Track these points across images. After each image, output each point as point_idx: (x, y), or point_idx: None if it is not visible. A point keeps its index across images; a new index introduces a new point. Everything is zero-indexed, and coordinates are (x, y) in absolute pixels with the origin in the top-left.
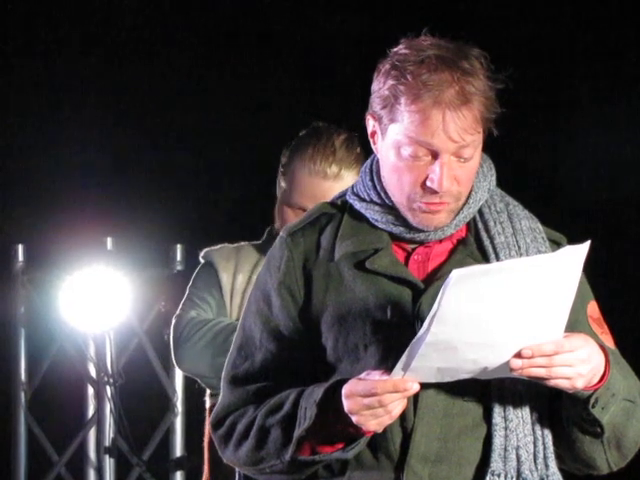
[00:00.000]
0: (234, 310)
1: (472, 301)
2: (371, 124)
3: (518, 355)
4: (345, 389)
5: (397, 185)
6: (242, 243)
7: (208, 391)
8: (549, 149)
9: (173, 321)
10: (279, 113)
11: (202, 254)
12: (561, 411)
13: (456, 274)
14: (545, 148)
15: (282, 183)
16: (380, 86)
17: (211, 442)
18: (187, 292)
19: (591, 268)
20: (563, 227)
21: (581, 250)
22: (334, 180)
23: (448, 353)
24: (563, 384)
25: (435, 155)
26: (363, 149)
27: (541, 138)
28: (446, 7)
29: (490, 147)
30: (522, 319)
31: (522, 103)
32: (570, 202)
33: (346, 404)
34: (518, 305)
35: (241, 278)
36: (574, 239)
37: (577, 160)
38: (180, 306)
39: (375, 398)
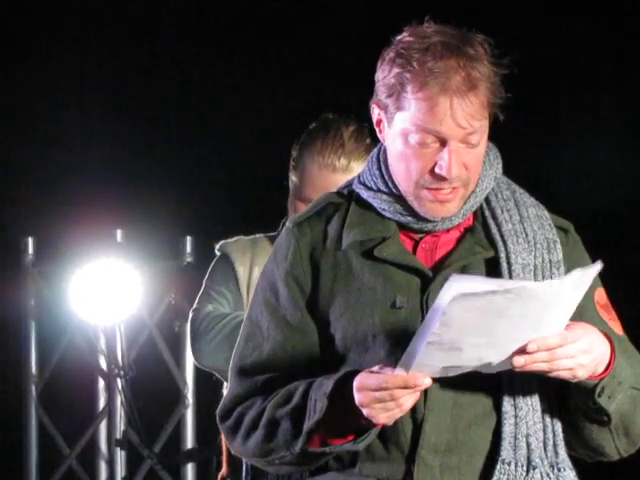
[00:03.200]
0: None
1: (476, 312)
2: (376, 112)
3: (521, 351)
4: (357, 381)
5: (405, 173)
6: (257, 235)
7: (225, 384)
8: (546, 153)
9: (190, 315)
10: (289, 104)
11: (217, 247)
12: (568, 400)
13: (455, 287)
14: (542, 152)
15: (293, 177)
16: (385, 74)
17: None
18: (204, 285)
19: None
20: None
21: (591, 272)
22: (344, 172)
23: (452, 353)
24: (564, 375)
25: (443, 142)
26: (372, 139)
27: (538, 141)
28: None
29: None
30: (526, 326)
31: (520, 105)
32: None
33: (357, 397)
34: (523, 317)
35: (257, 271)
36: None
37: (574, 161)
38: (197, 300)
39: (386, 392)
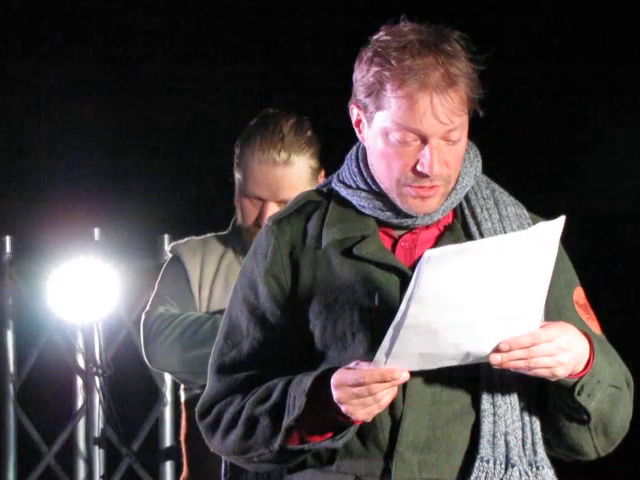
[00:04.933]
0: (202, 303)
1: (449, 281)
2: (355, 113)
3: (497, 350)
4: (334, 378)
5: (386, 171)
6: (208, 235)
7: (182, 385)
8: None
9: (142, 318)
10: (267, 104)
11: (169, 248)
12: (548, 399)
13: (428, 254)
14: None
15: (237, 174)
16: (363, 74)
17: (188, 437)
18: (156, 288)
19: (577, 256)
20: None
21: (556, 226)
22: (284, 166)
23: (429, 337)
24: (543, 373)
25: (424, 139)
26: (315, 132)
27: (555, 144)
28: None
29: (503, 151)
30: (501, 299)
31: (538, 108)
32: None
33: (335, 393)
34: (496, 284)
35: (208, 271)
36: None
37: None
38: (149, 303)
39: (364, 387)
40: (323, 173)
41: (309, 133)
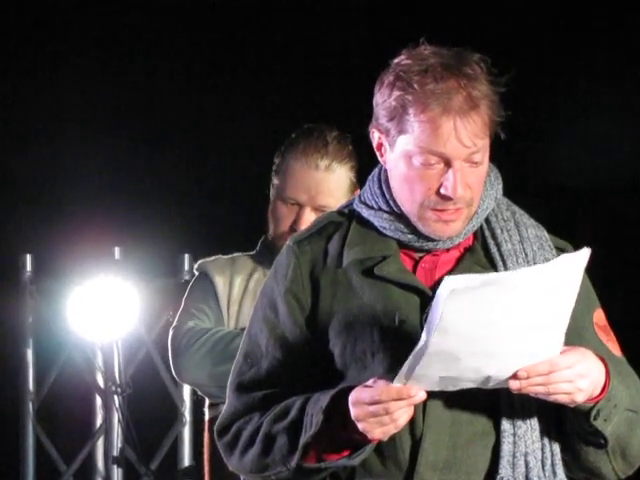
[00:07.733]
0: (231, 319)
1: (472, 313)
2: (377, 136)
3: (515, 376)
4: (352, 396)
5: (409, 195)
6: (236, 254)
7: (207, 402)
8: (539, 137)
9: (171, 332)
10: (290, 124)
11: (196, 266)
12: (565, 422)
13: (452, 287)
14: (535, 136)
15: (275, 180)
16: (385, 98)
17: (211, 455)
18: (183, 304)
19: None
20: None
21: (581, 257)
22: (325, 171)
23: (450, 362)
24: (563, 399)
25: (447, 162)
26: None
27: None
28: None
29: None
30: (523, 327)
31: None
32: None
33: (352, 411)
34: (519, 314)
35: (237, 287)
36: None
37: (568, 147)
38: (177, 318)
39: (381, 405)
40: (358, 192)
41: (350, 147)
